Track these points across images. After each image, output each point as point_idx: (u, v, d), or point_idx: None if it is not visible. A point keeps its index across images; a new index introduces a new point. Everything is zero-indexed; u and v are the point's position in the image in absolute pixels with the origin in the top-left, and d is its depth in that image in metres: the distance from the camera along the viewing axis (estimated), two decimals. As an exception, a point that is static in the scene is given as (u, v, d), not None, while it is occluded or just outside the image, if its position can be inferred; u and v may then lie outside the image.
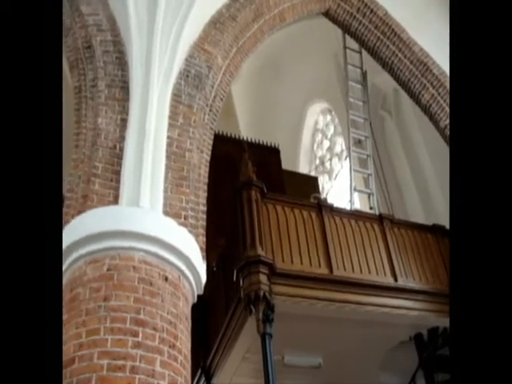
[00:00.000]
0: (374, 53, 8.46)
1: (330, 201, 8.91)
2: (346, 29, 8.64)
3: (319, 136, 14.22)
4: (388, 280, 7.04)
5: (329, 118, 13.92)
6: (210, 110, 6.21)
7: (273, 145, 10.74)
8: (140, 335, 4.20)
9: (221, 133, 8.71)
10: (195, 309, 4.99)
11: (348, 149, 10.01)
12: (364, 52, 9.45)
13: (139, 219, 4.80)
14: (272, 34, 7.57)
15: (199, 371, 7.45)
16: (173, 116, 5.74)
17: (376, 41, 8.35)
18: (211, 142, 6.13)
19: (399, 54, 8.22)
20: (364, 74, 10.38)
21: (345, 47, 10.35)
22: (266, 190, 7.04)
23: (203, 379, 7.47)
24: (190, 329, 4.72)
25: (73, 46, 6.23)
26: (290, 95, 13.49)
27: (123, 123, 5.57)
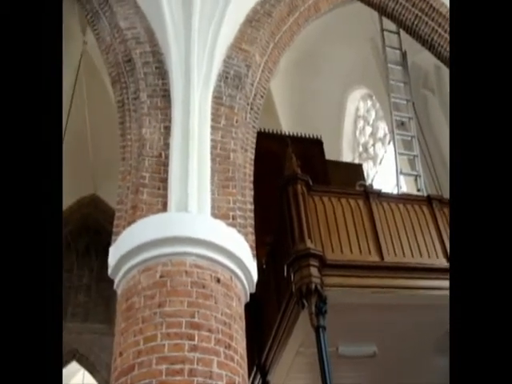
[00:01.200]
0: (412, 32, 8.23)
1: (376, 187, 8.75)
2: (383, 10, 8.43)
3: (361, 122, 14.02)
4: (440, 261, 6.84)
5: (369, 103, 13.71)
6: (251, 109, 6.17)
7: (315, 136, 10.61)
8: (196, 338, 4.21)
9: (262, 130, 8.67)
10: (247, 308, 4.98)
11: (391, 132, 9.81)
12: (402, 32, 9.19)
13: (188, 224, 4.81)
14: (307, 25, 7.45)
15: (254, 369, 7.43)
16: (215, 118, 5.72)
17: (414, 19, 8.12)
18: (254, 141, 6.08)
19: (439, 30, 7.96)
20: (403, 55, 10.14)
21: (382, 30, 10.13)
22: (311, 183, 6.95)
23: (259, 377, 7.45)
24: (244, 328, 4.72)
25: (114, 61, 6.27)
26: (328, 85, 13.32)
27: (167, 131, 5.58)
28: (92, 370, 12.68)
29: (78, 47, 12.08)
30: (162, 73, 6.00)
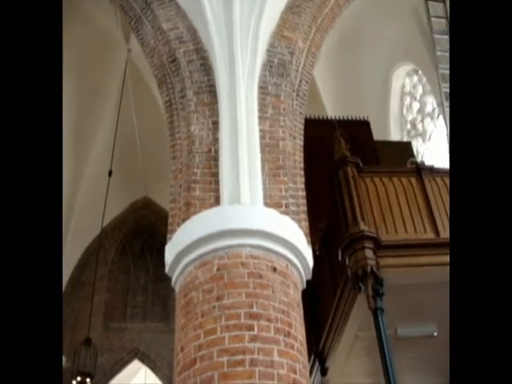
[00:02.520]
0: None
1: (427, 163, 8.48)
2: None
3: (407, 99, 13.61)
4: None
5: (415, 78, 13.29)
6: (298, 95, 6.07)
7: (361, 118, 10.36)
8: (255, 328, 4.18)
9: (308, 117, 8.52)
10: (303, 295, 4.90)
11: (441, 105, 9.47)
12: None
13: (242, 216, 4.76)
14: (349, 5, 7.26)
15: (312, 356, 7.34)
16: (262, 108, 5.65)
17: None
18: (302, 127, 5.98)
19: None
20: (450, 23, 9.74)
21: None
22: (361, 165, 6.78)
23: (317, 364, 7.34)
24: (302, 315, 4.65)
25: (159, 63, 6.26)
26: (372, 64, 12.98)
27: (215, 126, 5.54)
28: (153, 367, 12.88)
29: (123, 56, 12.24)
30: (206, 69, 5.96)
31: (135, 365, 13.05)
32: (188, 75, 5.96)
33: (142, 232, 14.96)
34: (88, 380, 9.86)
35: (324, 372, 7.26)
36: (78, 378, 9.83)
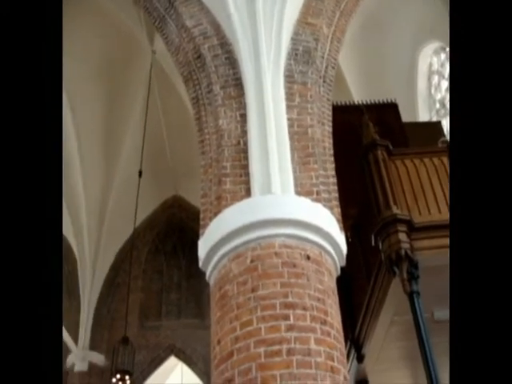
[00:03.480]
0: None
1: (458, 142, 8.20)
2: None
3: (435, 78, 13.25)
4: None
5: (443, 56, 12.92)
6: (324, 81, 5.98)
7: (389, 100, 10.11)
8: (291, 318, 4.11)
9: (335, 103, 8.37)
10: (337, 282, 4.81)
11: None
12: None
13: (273, 206, 4.69)
14: (373, -13, 7.10)
15: (348, 343, 7.20)
16: (289, 97, 5.57)
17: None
18: (330, 113, 5.89)
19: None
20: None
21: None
22: (391, 148, 6.61)
23: (353, 351, 7.21)
24: (337, 302, 4.58)
25: (184, 61, 6.24)
26: (397, 45, 12.68)
27: (243, 118, 5.49)
28: (189, 363, 13.00)
29: (148, 58, 12.32)
30: (232, 62, 5.91)
31: (171, 361, 13.21)
32: (214, 70, 5.91)
33: (173, 230, 15.06)
34: (127, 377, 10.02)
35: (360, 359, 7.14)
36: (118, 376, 10.00)
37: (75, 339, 12.89)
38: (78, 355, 12.80)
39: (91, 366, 12.75)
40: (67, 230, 14.22)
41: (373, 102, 9.87)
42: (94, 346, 13.11)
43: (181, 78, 6.49)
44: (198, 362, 12.69)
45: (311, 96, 5.64)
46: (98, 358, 12.84)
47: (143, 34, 11.88)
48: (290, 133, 5.25)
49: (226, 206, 4.86)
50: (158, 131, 13.56)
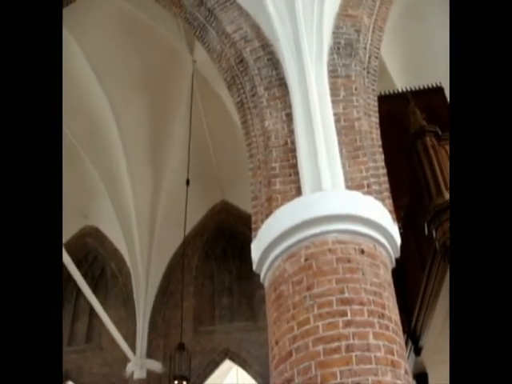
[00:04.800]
0: None
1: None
2: None
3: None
4: None
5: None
6: (368, 72, 5.90)
7: (434, 85, 9.78)
8: (348, 313, 4.05)
9: (378, 94, 8.20)
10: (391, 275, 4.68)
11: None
12: None
13: (324, 202, 4.63)
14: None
15: (405, 336, 6.99)
16: (333, 92, 5.51)
17: None
18: (376, 104, 5.80)
19: None
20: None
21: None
22: (440, 133, 6.42)
23: (410, 344, 7.00)
24: (394, 294, 4.49)
25: (227, 66, 6.26)
26: (439, 28, 12.32)
27: (289, 118, 5.46)
28: (244, 365, 12.98)
29: (189, 68, 12.40)
30: (274, 63, 5.89)
31: (226, 364, 13.24)
32: (256, 72, 5.91)
33: (222, 235, 15.09)
34: (184, 383, 10.10)
35: (418, 351, 6.94)
36: (176, 382, 10.08)
37: (133, 348, 13.03)
38: (137, 363, 12.94)
39: (149, 373, 12.88)
40: (120, 244, 14.46)
41: (418, 88, 9.62)
42: (150, 353, 13.23)
43: (223, 85, 6.51)
44: (252, 364, 12.67)
45: (356, 88, 5.57)
46: (156, 366, 12.97)
47: (183, 44, 12.00)
48: (337, 128, 5.19)
49: (277, 206, 4.83)
50: (203, 139, 13.64)
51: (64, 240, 14.00)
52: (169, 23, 11.49)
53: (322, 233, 4.45)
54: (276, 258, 4.59)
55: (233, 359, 13.05)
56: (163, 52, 12.04)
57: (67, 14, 9.02)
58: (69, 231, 14.99)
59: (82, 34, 11.56)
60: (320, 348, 3.88)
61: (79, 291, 13.03)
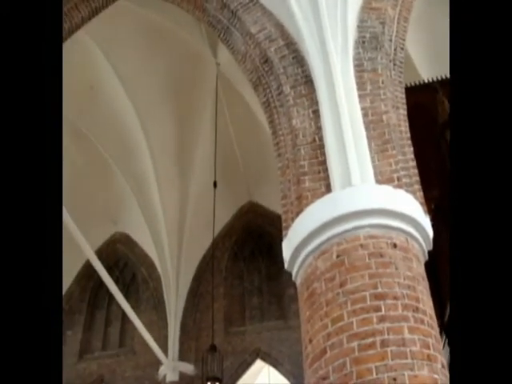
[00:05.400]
0: None
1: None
2: None
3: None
4: None
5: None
6: (395, 64, 5.84)
7: (462, 73, 9.54)
8: (382, 308, 4.00)
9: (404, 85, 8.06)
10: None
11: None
12: None
13: (355, 198, 4.59)
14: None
15: (438, 329, 6.86)
16: (360, 86, 5.46)
17: None
18: (404, 96, 5.73)
19: None
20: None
21: None
22: (469, 121, 6.26)
23: (444, 337, 6.86)
24: (428, 287, 4.43)
25: (252, 67, 6.25)
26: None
27: (316, 115, 5.42)
28: (275, 365, 12.90)
29: (213, 71, 12.38)
30: (299, 61, 5.86)
31: (258, 364, 13.20)
32: (282, 71, 5.88)
33: (250, 236, 15.04)
34: (217, 384, 10.07)
35: (453, 345, 6.82)
36: (208, 383, 10.04)
37: (165, 351, 13.07)
38: (169, 366, 12.97)
39: (182, 375, 12.91)
40: (150, 249, 14.54)
41: (445, 77, 9.45)
42: (182, 356, 13.25)
43: (247, 87, 6.49)
44: (283, 363, 12.61)
45: (383, 81, 5.51)
46: (188, 368, 12.99)
47: (206, 48, 12.03)
48: (364, 122, 5.14)
49: (307, 204, 4.80)
50: (228, 141, 13.66)
51: (95, 247, 14.15)
52: (191, 28, 11.53)
53: (354, 228, 4.41)
54: (307, 255, 4.56)
55: (264, 359, 13.01)
56: (187, 57, 12.10)
57: (94, 28, 9.15)
58: (100, 238, 15.14)
59: (110, 47, 11.72)
60: (355, 344, 3.84)
61: (111, 297, 13.18)
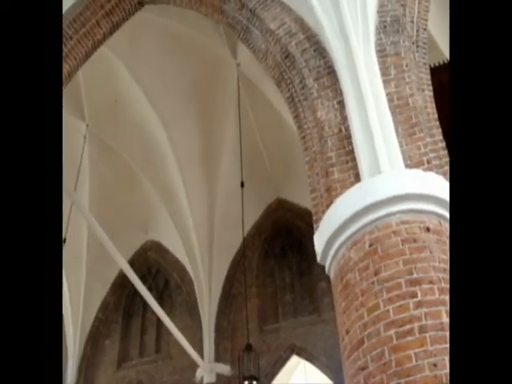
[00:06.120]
0: None
1: None
2: None
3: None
4: None
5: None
6: (418, 46, 5.72)
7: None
8: (419, 294, 3.91)
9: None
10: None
11: None
12: None
13: (385, 184, 4.51)
14: None
15: None
16: (384, 72, 5.37)
17: None
18: (429, 77, 5.61)
19: None
20: None
21: None
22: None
23: None
24: (463, 269, 4.25)
25: (274, 64, 6.20)
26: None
27: (340, 105, 5.35)
28: (311, 359, 12.79)
29: (234, 71, 12.38)
30: (321, 52, 5.80)
31: (294, 360, 13.13)
32: (304, 65, 5.83)
33: (279, 232, 14.97)
34: (255, 383, 10.04)
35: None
36: (246, 383, 10.04)
37: (201, 354, 13.08)
38: (206, 368, 12.98)
39: (218, 376, 12.91)
40: (180, 254, 14.59)
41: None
42: (218, 357, 13.24)
43: (268, 84, 6.43)
44: (319, 357, 12.49)
45: (407, 65, 5.41)
46: (224, 369, 12.97)
47: (226, 49, 12.07)
48: (390, 107, 5.05)
49: (337, 195, 4.74)
50: (253, 140, 13.64)
51: (127, 256, 14.30)
52: (210, 31, 11.60)
53: (385, 215, 4.34)
54: (340, 246, 4.50)
55: (299, 354, 12.93)
56: (207, 60, 12.17)
57: (115, 41, 9.20)
58: (132, 248, 15.27)
59: (131, 59, 11.84)
60: (392, 332, 3.77)
61: (146, 304, 13.33)
